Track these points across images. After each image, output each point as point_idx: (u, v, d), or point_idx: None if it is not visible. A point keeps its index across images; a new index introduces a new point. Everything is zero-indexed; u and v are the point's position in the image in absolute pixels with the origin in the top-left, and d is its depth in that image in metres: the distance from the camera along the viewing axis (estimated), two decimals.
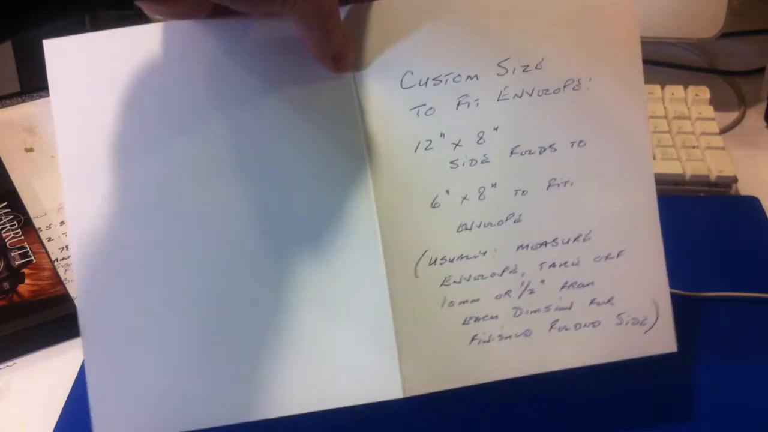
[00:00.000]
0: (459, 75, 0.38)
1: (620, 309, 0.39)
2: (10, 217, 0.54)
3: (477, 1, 0.38)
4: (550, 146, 0.38)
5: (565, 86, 0.38)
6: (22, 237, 0.53)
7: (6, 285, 0.50)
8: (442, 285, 0.38)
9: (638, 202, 0.39)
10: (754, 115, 0.69)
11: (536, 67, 0.38)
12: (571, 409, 0.44)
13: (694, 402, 0.45)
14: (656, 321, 0.39)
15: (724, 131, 0.66)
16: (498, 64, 0.38)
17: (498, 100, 0.38)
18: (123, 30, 0.37)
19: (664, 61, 0.74)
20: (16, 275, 0.50)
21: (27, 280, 0.50)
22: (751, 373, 0.47)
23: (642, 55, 0.74)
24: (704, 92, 0.65)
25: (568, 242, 0.39)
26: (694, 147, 0.61)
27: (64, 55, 0.37)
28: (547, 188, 0.38)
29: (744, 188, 0.61)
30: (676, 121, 0.63)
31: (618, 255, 0.39)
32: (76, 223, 0.36)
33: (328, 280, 0.37)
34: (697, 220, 0.57)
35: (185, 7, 0.34)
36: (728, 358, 0.48)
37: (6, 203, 0.55)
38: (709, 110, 0.63)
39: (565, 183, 0.38)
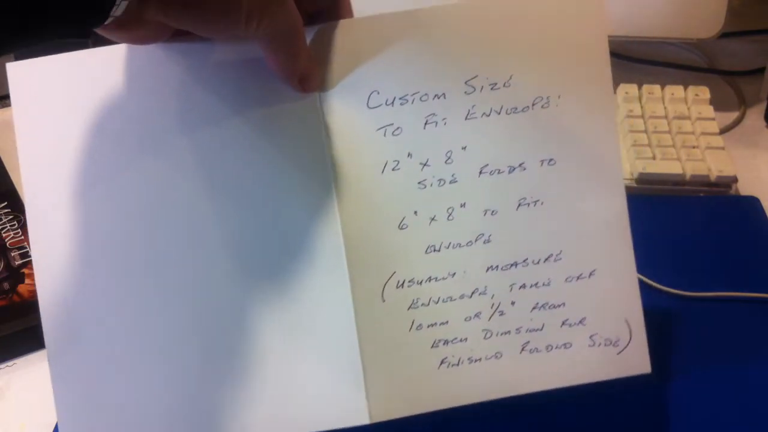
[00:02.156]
0: (426, 94, 0.38)
1: (592, 330, 0.39)
2: (10, 217, 0.54)
3: (444, 19, 0.38)
4: (520, 165, 0.38)
5: (533, 104, 0.38)
6: (22, 237, 0.53)
7: (6, 285, 0.50)
8: (410, 308, 0.38)
9: (609, 221, 0.39)
10: (754, 115, 0.70)
11: (504, 85, 0.38)
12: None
13: (694, 402, 0.45)
14: (629, 342, 0.39)
15: (724, 131, 0.67)
16: (465, 83, 0.38)
17: (466, 118, 0.38)
18: (87, 52, 0.37)
19: (664, 61, 0.74)
20: (16, 275, 0.51)
21: (27, 280, 0.50)
22: (751, 372, 0.47)
23: (642, 55, 0.74)
24: (704, 92, 0.65)
25: (538, 262, 0.39)
26: (694, 147, 0.61)
27: (29, 77, 0.37)
28: (517, 208, 0.38)
29: (744, 188, 0.61)
30: (676, 121, 0.63)
31: (589, 275, 0.39)
32: (39, 249, 0.36)
33: (293, 304, 0.37)
34: (697, 220, 0.57)
35: (147, 33, 0.34)
36: (728, 358, 0.48)
37: (6, 203, 0.55)
38: (709, 110, 0.64)
39: (535, 202, 0.38)
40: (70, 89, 0.37)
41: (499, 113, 0.38)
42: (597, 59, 0.38)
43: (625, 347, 0.39)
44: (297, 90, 0.37)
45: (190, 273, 0.37)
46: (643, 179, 0.60)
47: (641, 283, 0.51)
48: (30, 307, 0.49)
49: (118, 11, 0.29)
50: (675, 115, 0.63)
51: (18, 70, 0.37)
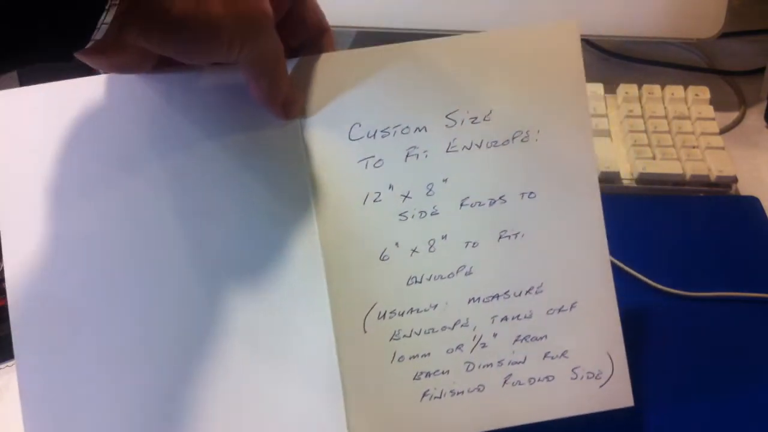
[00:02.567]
0: (407, 127, 0.38)
1: (575, 363, 0.39)
2: None
3: (425, 54, 0.38)
4: (500, 198, 0.38)
5: (513, 138, 0.38)
6: None
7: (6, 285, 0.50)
8: (391, 339, 0.38)
9: (590, 254, 0.39)
10: (754, 115, 0.70)
11: (485, 119, 0.38)
12: None
13: (694, 402, 0.45)
14: (611, 375, 0.39)
15: (724, 131, 0.67)
16: (446, 116, 0.38)
17: (447, 151, 0.38)
18: (66, 83, 0.37)
19: (664, 61, 0.74)
20: None
21: None
22: (751, 372, 0.47)
23: (642, 55, 0.74)
24: (704, 92, 0.65)
25: (520, 295, 0.39)
26: (694, 147, 0.61)
27: (7, 107, 0.37)
28: (498, 240, 0.38)
29: (744, 188, 0.61)
30: (676, 121, 0.63)
31: (571, 307, 0.39)
32: (12, 273, 0.37)
33: (273, 335, 0.37)
34: (697, 220, 0.57)
35: (129, 59, 0.34)
36: (728, 358, 0.48)
37: None
38: (709, 110, 0.63)
39: (516, 235, 0.39)
40: (46, 119, 0.37)
41: (480, 146, 0.38)
42: (574, 94, 0.38)
43: (608, 380, 0.39)
44: (279, 116, 0.37)
45: (163, 299, 0.37)
46: (643, 179, 0.60)
47: (642, 283, 0.51)
48: None
49: (98, 35, 0.29)
50: (675, 115, 0.63)
51: None
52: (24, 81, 0.37)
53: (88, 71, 0.35)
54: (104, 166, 0.37)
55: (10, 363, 0.48)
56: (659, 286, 0.52)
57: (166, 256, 0.37)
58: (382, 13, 0.65)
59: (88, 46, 0.29)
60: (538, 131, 0.38)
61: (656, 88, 0.65)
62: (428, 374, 0.38)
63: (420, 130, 0.38)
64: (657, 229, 0.56)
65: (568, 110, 0.38)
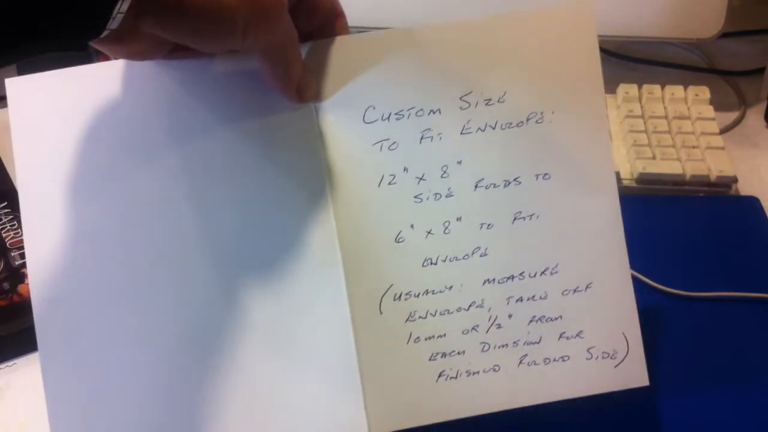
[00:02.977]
0: (422, 109, 0.38)
1: (590, 343, 0.39)
2: (10, 217, 0.54)
3: (438, 36, 0.38)
4: (515, 179, 0.39)
5: (528, 119, 0.38)
6: (23, 237, 0.53)
7: (6, 285, 0.50)
8: (407, 321, 0.39)
9: (605, 235, 0.39)
10: (754, 115, 0.70)
11: (499, 101, 0.38)
12: None
13: (694, 402, 0.45)
14: (627, 355, 0.39)
15: (724, 131, 0.67)
16: (460, 98, 0.38)
17: (461, 133, 0.38)
18: (85, 67, 0.37)
19: (664, 61, 0.74)
20: (16, 275, 0.51)
21: (27, 280, 0.50)
22: (751, 372, 0.47)
23: (642, 55, 0.74)
24: (704, 92, 0.65)
25: (535, 276, 0.39)
26: (694, 147, 0.61)
27: (27, 93, 0.37)
28: (513, 222, 0.39)
29: (744, 188, 0.61)
30: (676, 121, 0.63)
31: (586, 288, 0.39)
32: (34, 258, 0.37)
33: (290, 318, 0.38)
34: (697, 220, 0.57)
35: (144, 47, 0.34)
36: (728, 358, 0.48)
37: (6, 203, 0.55)
38: (709, 110, 0.64)
39: (531, 216, 0.39)
40: (65, 104, 0.37)
41: (494, 128, 0.38)
42: (590, 75, 0.39)
43: (623, 360, 0.39)
44: (293, 100, 0.37)
45: (183, 285, 0.37)
46: (643, 179, 0.60)
47: (642, 283, 0.52)
48: (30, 307, 0.49)
49: (114, 24, 0.29)
50: (675, 115, 0.63)
51: (16, 86, 0.37)
52: (22, 70, 0.37)
53: (87, 59, 0.35)
54: (122, 154, 0.37)
55: (10, 363, 0.48)
56: (659, 286, 0.52)
57: (184, 244, 0.37)
58: (382, 13, 0.65)
59: (103, 35, 0.29)
60: (553, 113, 0.38)
61: (656, 88, 0.65)
62: (444, 355, 0.39)
63: (434, 113, 0.38)
64: (657, 229, 0.56)
65: (582, 92, 0.39)
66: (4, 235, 0.53)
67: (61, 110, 0.37)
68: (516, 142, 0.38)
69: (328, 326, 0.38)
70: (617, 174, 0.60)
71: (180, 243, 0.37)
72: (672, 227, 0.57)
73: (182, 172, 0.37)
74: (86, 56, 0.33)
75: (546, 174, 0.39)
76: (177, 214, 0.37)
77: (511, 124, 0.38)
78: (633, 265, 0.50)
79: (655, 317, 0.50)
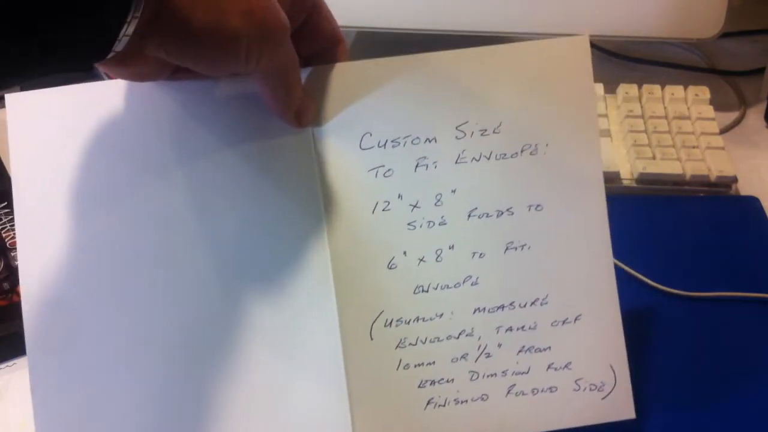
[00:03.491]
0: (418, 137, 0.38)
1: (578, 374, 0.40)
2: (10, 217, 0.54)
3: (437, 66, 0.38)
4: (508, 210, 0.39)
5: (522, 150, 0.39)
6: None
7: (6, 285, 0.50)
8: (397, 347, 0.39)
9: (595, 267, 0.39)
10: (754, 115, 0.70)
11: (494, 132, 0.39)
12: None
13: (694, 403, 0.45)
14: (614, 387, 0.40)
15: (724, 131, 0.67)
16: (456, 128, 0.38)
17: (456, 162, 0.39)
18: (86, 85, 0.37)
19: (664, 61, 0.74)
20: (16, 275, 0.51)
21: None
22: (751, 372, 0.47)
23: (642, 55, 0.74)
24: (704, 92, 0.65)
25: (525, 306, 0.39)
26: (694, 147, 0.61)
27: (27, 109, 0.37)
28: (505, 251, 0.39)
29: (744, 188, 0.61)
30: (676, 121, 0.63)
31: (575, 320, 0.39)
32: (27, 275, 0.37)
33: (280, 340, 0.38)
34: (697, 220, 0.57)
35: (148, 69, 0.34)
36: (728, 358, 0.48)
37: (6, 203, 0.55)
38: (709, 110, 0.64)
39: (523, 247, 0.39)
40: (65, 121, 0.37)
41: (489, 158, 0.39)
42: (584, 108, 0.39)
43: (610, 392, 0.40)
44: (292, 125, 0.37)
45: (178, 305, 0.37)
46: (643, 179, 0.60)
47: (642, 283, 0.52)
48: None
49: (119, 46, 0.29)
50: (675, 115, 0.63)
51: (16, 101, 0.37)
52: (24, 86, 0.37)
53: (91, 79, 0.35)
54: (122, 171, 0.37)
55: (10, 363, 0.48)
56: (659, 286, 0.52)
57: (182, 261, 0.37)
58: (382, 13, 0.65)
59: (109, 56, 0.30)
60: (547, 144, 0.39)
61: (656, 88, 0.65)
62: (433, 382, 0.39)
63: (430, 141, 0.38)
64: (657, 229, 0.56)
65: (577, 125, 0.39)
66: (4, 235, 0.53)
67: (60, 127, 0.37)
68: (510, 172, 0.39)
69: (318, 350, 0.38)
70: (617, 174, 0.60)
71: (176, 257, 0.37)
72: (672, 227, 0.57)
73: (182, 189, 0.37)
74: (90, 76, 0.33)
75: (539, 205, 0.39)
76: (174, 229, 0.37)
77: (505, 155, 0.39)
78: (633, 265, 0.51)
79: (655, 317, 0.50)
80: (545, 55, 0.39)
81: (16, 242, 0.52)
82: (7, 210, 0.55)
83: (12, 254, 0.52)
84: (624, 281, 0.48)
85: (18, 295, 0.50)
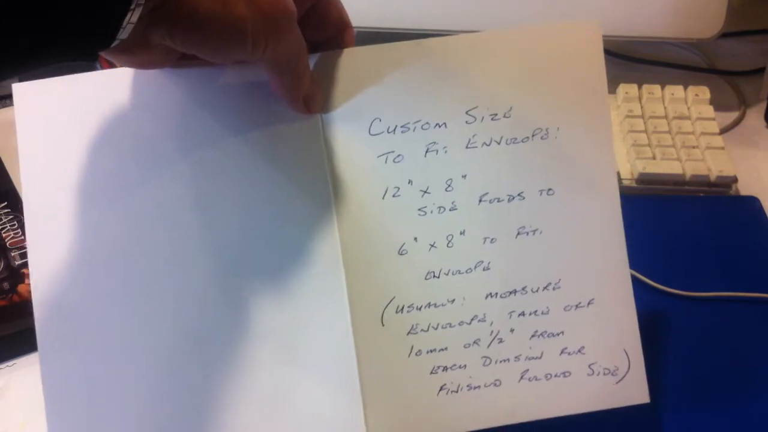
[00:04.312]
0: (427, 123, 0.38)
1: (591, 359, 0.39)
2: (10, 217, 0.54)
3: (444, 49, 0.38)
4: (519, 194, 0.39)
5: (533, 135, 0.38)
6: (22, 237, 0.53)
7: (6, 285, 0.50)
8: (409, 333, 0.39)
9: (607, 251, 0.39)
10: (754, 115, 0.70)
11: (504, 116, 0.38)
12: None
13: (694, 402, 0.45)
14: (628, 371, 0.39)
15: (724, 131, 0.67)
16: (466, 113, 0.38)
17: (466, 147, 0.38)
18: (92, 74, 0.37)
19: (664, 61, 0.74)
20: (16, 275, 0.51)
21: (27, 280, 0.50)
22: (751, 372, 0.47)
23: (642, 55, 0.74)
24: (704, 92, 0.65)
25: (537, 291, 0.39)
26: (694, 147, 0.61)
27: (34, 99, 0.37)
28: (516, 236, 0.39)
29: (744, 188, 0.61)
30: (676, 121, 0.63)
31: (588, 304, 0.39)
32: (37, 266, 0.37)
33: (291, 328, 0.38)
34: (697, 220, 0.58)
35: (154, 57, 0.34)
36: (728, 358, 0.48)
37: (6, 203, 0.55)
38: (709, 110, 0.64)
39: (534, 231, 0.39)
40: (72, 110, 0.37)
41: (499, 143, 0.38)
42: (595, 92, 0.39)
43: (624, 377, 0.39)
44: (301, 112, 0.37)
45: (187, 296, 0.37)
46: (643, 179, 0.60)
47: (642, 283, 0.52)
48: (30, 307, 0.49)
49: (123, 34, 0.29)
50: (675, 115, 0.63)
51: (23, 91, 0.37)
52: (27, 76, 0.37)
53: (87, 69, 0.35)
54: (128, 161, 0.37)
55: (10, 363, 0.48)
56: (659, 286, 0.52)
57: (188, 250, 0.37)
58: (383, 13, 0.65)
59: (113, 44, 0.30)
60: (558, 129, 0.38)
61: (656, 88, 0.66)
62: (445, 368, 0.39)
63: (440, 126, 0.38)
64: (657, 229, 0.56)
65: (588, 109, 0.39)
66: (4, 235, 0.53)
67: (67, 116, 0.37)
68: (521, 157, 0.38)
69: (329, 337, 0.38)
70: (617, 174, 0.60)
71: (184, 250, 0.37)
72: (672, 227, 0.57)
73: (189, 179, 0.37)
74: (96, 65, 0.34)
75: (550, 190, 0.39)
76: (182, 221, 0.37)
77: (516, 139, 0.38)
78: (633, 265, 0.50)
79: (655, 317, 0.50)
80: (556, 39, 0.39)
81: (16, 242, 0.52)
82: (7, 210, 0.55)
83: (12, 254, 0.52)
84: None
85: (18, 295, 0.50)
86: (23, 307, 0.49)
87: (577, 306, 0.39)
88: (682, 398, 0.46)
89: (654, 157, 0.61)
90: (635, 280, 0.52)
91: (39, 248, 0.37)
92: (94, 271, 0.37)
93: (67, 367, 0.37)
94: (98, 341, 0.37)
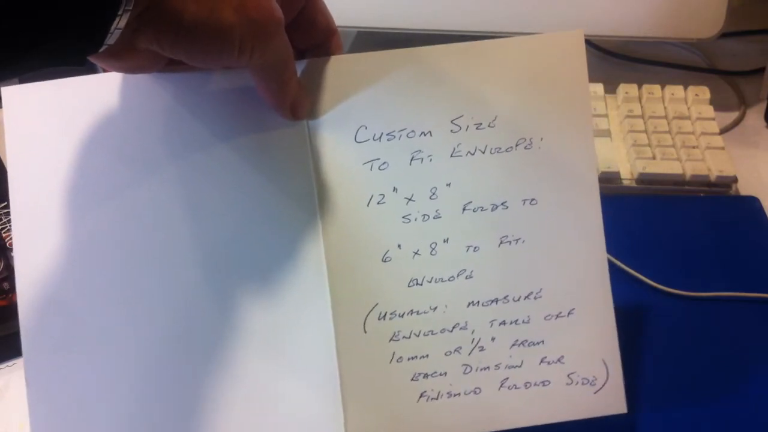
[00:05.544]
0: (413, 131, 0.39)
1: (570, 368, 0.40)
2: (10, 217, 0.54)
3: (432, 59, 0.39)
4: (502, 204, 0.39)
5: (517, 145, 0.39)
6: None
7: (6, 285, 0.50)
8: (391, 340, 0.39)
9: (589, 262, 0.40)
10: (754, 115, 0.70)
11: (489, 126, 0.39)
12: None
13: (693, 401, 0.45)
14: (606, 381, 0.40)
15: (724, 131, 0.67)
16: (451, 121, 0.39)
17: (451, 156, 0.39)
18: (80, 79, 0.38)
19: (664, 61, 0.74)
20: None
21: None
22: (751, 372, 0.47)
23: (642, 55, 0.74)
24: (704, 92, 0.65)
25: (519, 300, 0.39)
26: (694, 147, 0.61)
27: (23, 102, 0.38)
28: (499, 245, 0.39)
29: (744, 188, 0.61)
30: (676, 121, 0.63)
31: (568, 314, 0.40)
32: (23, 272, 0.37)
33: (274, 333, 0.38)
34: (697, 220, 0.58)
35: (141, 62, 0.34)
36: (728, 358, 0.48)
37: (6, 203, 0.55)
38: (709, 110, 0.64)
39: (517, 240, 0.39)
40: (61, 113, 0.37)
41: (484, 152, 0.39)
42: (578, 103, 0.39)
43: (602, 387, 0.40)
44: (287, 118, 0.38)
45: (172, 300, 0.37)
46: (643, 179, 0.60)
47: (642, 283, 0.52)
48: None
49: (111, 40, 0.29)
50: (675, 115, 0.63)
51: (12, 94, 0.37)
52: (23, 79, 0.37)
53: (89, 72, 0.35)
54: (117, 165, 0.37)
55: (10, 363, 0.48)
56: (659, 286, 0.52)
57: (177, 255, 0.37)
58: (382, 13, 0.65)
59: (101, 50, 0.30)
60: (542, 139, 0.39)
61: (656, 88, 0.66)
62: (426, 375, 0.39)
63: (425, 135, 0.39)
64: (657, 229, 0.56)
65: (571, 119, 0.39)
66: (4, 235, 0.53)
67: (56, 120, 0.37)
68: (504, 167, 0.39)
69: (312, 341, 0.38)
70: (617, 174, 0.60)
71: (172, 251, 0.37)
72: (672, 227, 0.57)
73: (177, 182, 0.37)
74: (87, 69, 0.34)
75: (533, 199, 0.39)
76: (170, 223, 0.37)
77: (500, 149, 0.39)
78: (633, 265, 0.51)
79: (654, 317, 0.50)
80: (540, 50, 0.39)
81: None
82: (6, 210, 0.55)
83: (12, 254, 0.52)
84: (624, 281, 0.48)
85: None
86: None
87: (557, 316, 0.39)
88: (682, 398, 0.46)
89: (654, 157, 0.61)
90: (635, 281, 0.52)
91: (25, 250, 0.37)
92: (81, 272, 0.37)
93: (52, 369, 0.37)
94: (85, 341, 0.37)
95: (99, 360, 0.37)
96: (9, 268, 0.51)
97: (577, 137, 0.39)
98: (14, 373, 0.48)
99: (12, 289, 0.50)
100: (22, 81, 0.37)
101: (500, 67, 0.39)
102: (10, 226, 0.54)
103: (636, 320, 0.49)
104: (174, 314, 0.37)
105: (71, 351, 0.37)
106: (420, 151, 0.38)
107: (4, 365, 0.48)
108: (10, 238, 0.53)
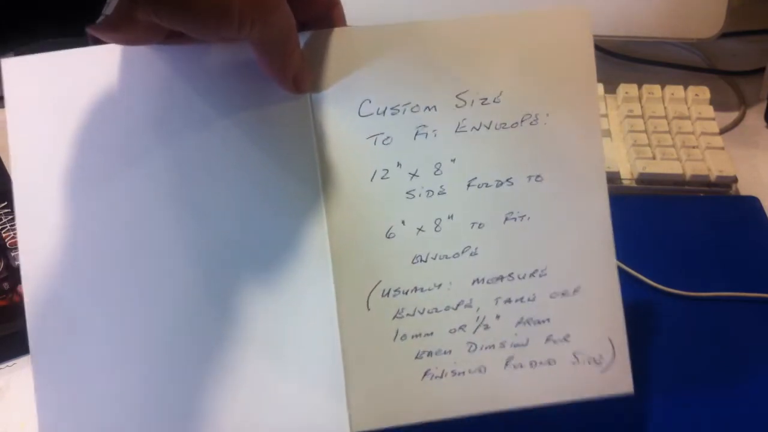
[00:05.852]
0: (417, 105, 0.38)
1: (576, 347, 0.39)
2: (10, 217, 0.54)
3: (437, 33, 0.38)
4: (508, 180, 0.39)
5: (522, 120, 0.38)
6: None
7: (6, 285, 0.50)
8: (394, 317, 0.38)
9: (594, 239, 0.39)
10: (754, 115, 0.70)
11: (494, 101, 0.38)
12: None
13: (694, 402, 0.45)
14: (612, 361, 0.39)
15: (724, 131, 0.67)
16: (456, 96, 0.38)
17: (456, 131, 0.38)
18: (80, 50, 0.37)
19: (664, 61, 0.74)
20: (16, 275, 0.51)
21: None
22: (751, 372, 0.47)
23: (642, 55, 0.74)
24: (704, 92, 0.65)
25: (524, 277, 0.39)
26: (694, 147, 0.61)
27: (22, 73, 0.37)
28: (504, 222, 0.39)
29: (744, 188, 0.61)
30: (676, 121, 0.63)
31: (574, 292, 0.39)
32: (27, 255, 0.37)
33: (276, 310, 0.37)
34: (697, 220, 0.58)
35: (140, 33, 0.34)
36: (728, 358, 0.48)
37: (6, 203, 0.55)
38: (709, 110, 0.64)
39: (522, 217, 0.39)
40: (61, 87, 0.37)
41: (489, 128, 0.38)
42: (585, 78, 0.39)
43: (608, 366, 0.39)
44: (290, 91, 0.37)
45: (173, 282, 0.37)
46: (643, 179, 0.60)
47: (642, 283, 0.52)
48: None
49: (108, 9, 0.29)
50: (675, 115, 0.64)
51: (12, 66, 0.37)
52: (18, 53, 0.37)
53: (77, 45, 0.35)
54: (119, 144, 0.37)
55: (10, 363, 0.48)
56: (659, 286, 0.52)
57: (176, 242, 0.37)
58: (382, 13, 0.65)
59: (99, 21, 0.29)
60: (548, 115, 0.38)
61: (656, 88, 0.66)
62: (430, 353, 0.38)
63: (430, 109, 0.38)
64: (657, 229, 0.56)
65: (577, 95, 0.39)
66: (4, 235, 0.53)
67: (56, 93, 0.37)
68: (510, 142, 0.38)
69: (314, 320, 0.38)
70: (617, 174, 0.60)
71: (170, 241, 0.37)
72: (672, 227, 0.57)
73: (174, 161, 0.37)
74: (87, 41, 0.34)
75: (538, 176, 0.39)
76: (169, 206, 0.37)
77: (505, 124, 0.38)
78: (633, 265, 0.51)
79: (654, 317, 0.50)
80: (547, 25, 0.39)
81: (16, 242, 0.52)
82: (7, 210, 0.55)
83: (12, 254, 0.52)
84: (624, 281, 0.48)
85: (18, 295, 0.50)
86: (23, 308, 0.49)
87: (563, 294, 0.39)
88: (682, 398, 0.46)
89: (654, 157, 0.61)
90: (636, 281, 0.52)
91: (29, 238, 0.37)
92: (81, 256, 0.37)
93: (58, 367, 0.37)
94: (84, 342, 0.37)
95: (98, 358, 0.37)
96: (9, 268, 0.51)
97: (583, 113, 0.39)
98: (14, 373, 0.48)
99: (12, 289, 0.50)
100: (17, 54, 0.37)
101: (506, 41, 0.38)
102: (10, 225, 0.54)
103: (636, 320, 0.49)
104: (175, 302, 0.37)
105: (73, 349, 0.36)
106: (424, 125, 0.38)
107: (4, 365, 0.48)
108: (11, 238, 0.53)
